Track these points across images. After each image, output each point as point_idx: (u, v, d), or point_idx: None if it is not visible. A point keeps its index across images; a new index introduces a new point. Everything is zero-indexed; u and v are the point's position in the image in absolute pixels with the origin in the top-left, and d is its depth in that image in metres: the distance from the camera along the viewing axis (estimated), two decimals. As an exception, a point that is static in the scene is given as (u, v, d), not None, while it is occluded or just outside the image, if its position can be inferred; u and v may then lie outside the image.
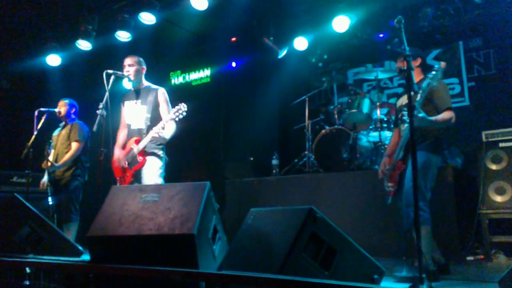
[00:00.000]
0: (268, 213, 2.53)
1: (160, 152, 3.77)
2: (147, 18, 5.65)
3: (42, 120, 4.51)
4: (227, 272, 2.20)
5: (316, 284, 1.82)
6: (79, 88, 6.42)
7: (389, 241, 4.12)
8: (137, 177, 3.72)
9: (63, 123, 4.79)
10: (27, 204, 3.21)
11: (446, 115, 3.11)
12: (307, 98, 5.76)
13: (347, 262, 2.18)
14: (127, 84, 5.70)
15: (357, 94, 5.32)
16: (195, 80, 7.28)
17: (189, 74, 7.34)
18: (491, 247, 3.90)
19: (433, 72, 2.97)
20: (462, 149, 4.91)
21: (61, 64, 6.54)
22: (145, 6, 5.55)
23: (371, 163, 4.86)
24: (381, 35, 6.00)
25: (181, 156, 6.31)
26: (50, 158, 4.54)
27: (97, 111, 3.53)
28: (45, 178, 4.49)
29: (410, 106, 2.47)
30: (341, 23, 5.55)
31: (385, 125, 5.02)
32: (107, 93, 3.54)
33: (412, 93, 2.50)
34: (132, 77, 3.83)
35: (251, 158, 6.38)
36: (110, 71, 3.65)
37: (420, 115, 2.90)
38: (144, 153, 3.69)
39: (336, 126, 5.27)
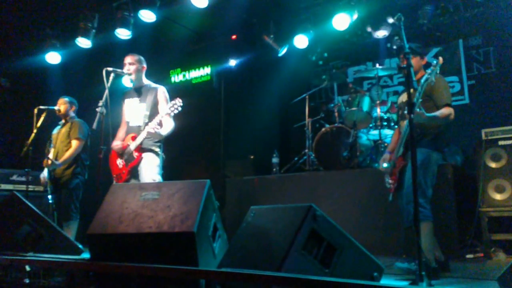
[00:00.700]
0: (268, 211, 2.53)
1: (157, 149, 3.77)
2: (147, 15, 5.64)
3: (42, 118, 4.51)
4: (227, 269, 2.20)
5: (315, 281, 1.82)
6: (79, 86, 6.41)
7: (388, 238, 4.13)
8: (133, 174, 3.72)
9: (63, 121, 4.78)
10: (27, 202, 3.21)
11: (444, 111, 3.11)
12: (307, 96, 5.77)
13: (347, 259, 2.19)
14: (126, 82, 5.68)
15: (357, 92, 5.32)
16: (195, 78, 7.27)
17: (189, 72, 7.33)
18: (491, 245, 3.91)
19: (431, 68, 2.97)
20: (462, 147, 4.92)
21: (61, 62, 6.53)
22: (145, 4, 5.53)
23: (371, 161, 4.87)
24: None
25: (181, 154, 6.31)
26: (50, 156, 4.54)
27: (97, 109, 3.53)
28: (45, 174, 4.49)
29: (410, 103, 2.47)
30: (341, 21, 5.54)
31: (385, 123, 5.02)
32: (106, 91, 3.54)
33: (412, 90, 2.51)
34: (132, 76, 3.83)
35: (251, 156, 6.38)
36: (110, 69, 3.65)
37: (418, 110, 2.90)
38: (140, 149, 3.70)
39: (336, 124, 5.27)
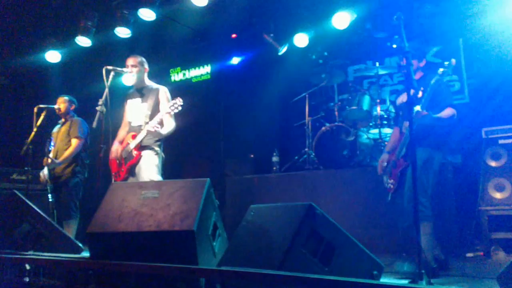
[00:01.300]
0: (268, 210, 2.53)
1: (157, 148, 3.77)
2: (147, 14, 5.63)
3: (42, 117, 4.50)
4: (227, 268, 2.20)
5: (315, 279, 1.82)
6: (79, 85, 6.42)
7: (389, 237, 4.13)
8: (132, 172, 3.72)
9: (63, 119, 4.77)
10: (27, 201, 3.21)
11: (448, 111, 3.11)
12: (307, 95, 5.75)
13: (347, 258, 2.19)
14: (126, 81, 5.69)
15: (357, 91, 5.31)
16: (195, 77, 7.26)
17: (189, 71, 7.32)
18: (491, 244, 3.90)
19: (442, 69, 2.96)
20: (462, 146, 4.91)
21: (60, 61, 6.52)
22: (145, 2, 5.52)
23: (371, 160, 4.86)
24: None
25: (181, 152, 6.32)
26: (50, 155, 4.54)
27: (97, 108, 3.54)
28: (45, 171, 4.49)
29: (410, 102, 2.47)
30: (341, 20, 5.53)
31: (385, 122, 5.02)
32: (106, 90, 3.54)
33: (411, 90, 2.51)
34: (134, 78, 3.87)
35: (251, 155, 6.37)
36: (110, 67, 3.66)
37: (425, 111, 2.91)
38: (139, 148, 3.71)
39: (336, 123, 5.27)
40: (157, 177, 3.69)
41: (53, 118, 4.80)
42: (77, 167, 4.58)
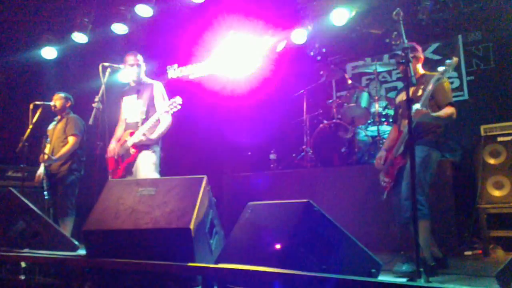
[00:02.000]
0: (265, 207, 2.51)
1: (154, 146, 3.75)
2: (143, 10, 5.61)
3: (38, 114, 4.48)
4: (224, 265, 2.18)
5: (313, 277, 1.80)
6: (75, 81, 6.37)
7: (387, 235, 4.12)
8: (129, 170, 3.71)
9: (59, 117, 4.75)
10: (23, 198, 3.19)
11: (448, 110, 3.09)
12: (305, 92, 5.73)
13: (345, 255, 2.18)
14: (122, 77, 5.66)
15: (356, 88, 5.29)
16: (193, 73, 7.23)
17: (186, 68, 7.29)
18: (489, 242, 3.90)
19: (444, 68, 2.94)
20: (461, 143, 4.90)
21: (56, 57, 6.49)
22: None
23: (369, 157, 4.85)
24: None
25: (178, 150, 6.29)
26: (46, 151, 4.51)
27: (93, 104, 3.52)
28: (41, 170, 4.46)
29: (409, 100, 2.45)
30: (339, 16, 5.51)
31: (383, 119, 5.00)
32: (103, 86, 3.53)
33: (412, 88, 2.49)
34: (135, 76, 3.89)
35: (249, 153, 6.35)
36: (106, 64, 3.66)
37: (425, 109, 2.89)
38: (137, 146, 3.69)
39: (334, 120, 5.25)
40: (155, 175, 3.67)
41: (49, 115, 4.77)
42: (73, 164, 4.55)
